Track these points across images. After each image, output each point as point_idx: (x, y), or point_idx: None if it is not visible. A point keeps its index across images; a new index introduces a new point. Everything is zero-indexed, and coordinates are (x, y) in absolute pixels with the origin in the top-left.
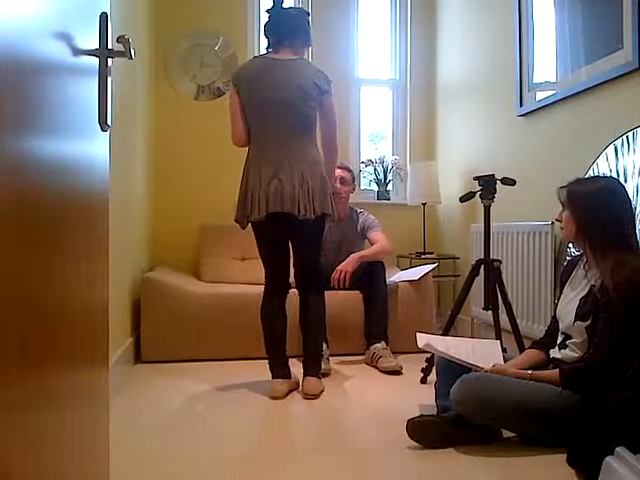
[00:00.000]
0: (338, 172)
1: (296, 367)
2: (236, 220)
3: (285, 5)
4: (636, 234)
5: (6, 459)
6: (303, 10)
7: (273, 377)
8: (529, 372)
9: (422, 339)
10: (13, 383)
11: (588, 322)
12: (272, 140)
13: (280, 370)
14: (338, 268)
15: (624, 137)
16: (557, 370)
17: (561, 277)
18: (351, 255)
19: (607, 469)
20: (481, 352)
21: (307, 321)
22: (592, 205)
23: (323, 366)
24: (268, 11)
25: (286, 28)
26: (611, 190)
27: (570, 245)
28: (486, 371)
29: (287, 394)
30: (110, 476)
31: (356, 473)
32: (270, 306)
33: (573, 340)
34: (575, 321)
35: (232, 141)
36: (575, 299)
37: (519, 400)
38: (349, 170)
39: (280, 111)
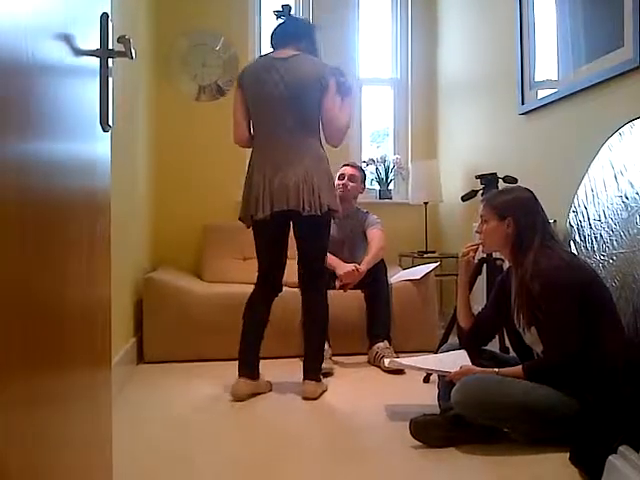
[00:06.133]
0: (348, 170)
1: (296, 367)
2: (240, 219)
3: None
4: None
5: (7, 460)
6: (309, 22)
7: (239, 376)
8: (495, 370)
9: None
10: (15, 383)
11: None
12: (274, 137)
13: (247, 369)
14: (343, 282)
15: (621, 130)
16: (520, 367)
17: (503, 293)
18: (363, 266)
19: (611, 468)
20: (448, 361)
21: (308, 323)
22: (524, 209)
23: (325, 365)
24: (276, 13)
25: (293, 33)
26: (529, 196)
27: (572, 244)
28: (455, 373)
29: (251, 396)
30: (113, 477)
31: (359, 472)
32: (255, 305)
33: (541, 349)
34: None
35: (234, 141)
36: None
37: (519, 400)
38: (360, 169)
39: (281, 107)
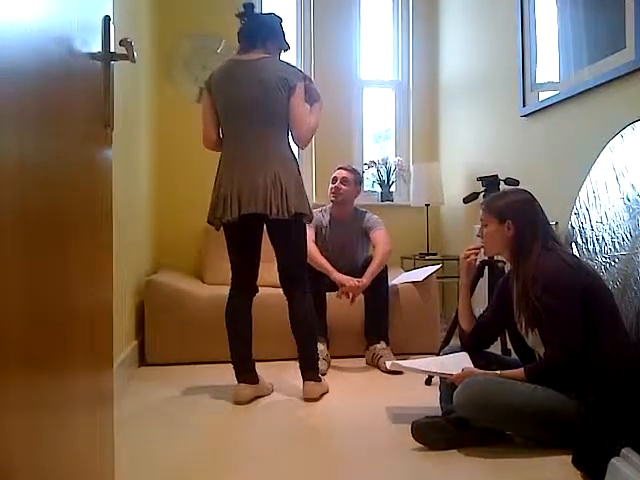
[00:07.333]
0: (341, 173)
1: (297, 369)
2: (209, 221)
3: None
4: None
5: (11, 461)
6: (276, 15)
7: (238, 382)
8: (497, 372)
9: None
10: (18, 386)
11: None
12: (242, 140)
13: (245, 374)
14: (347, 289)
15: (622, 132)
16: (522, 369)
17: (504, 296)
18: (365, 278)
19: (613, 470)
20: (450, 363)
21: (294, 326)
22: (523, 211)
23: (320, 366)
24: (238, 16)
25: (258, 33)
26: (527, 198)
27: (574, 246)
28: (457, 375)
29: (253, 399)
30: (115, 479)
31: (360, 474)
32: (235, 309)
33: (543, 351)
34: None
35: (203, 144)
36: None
37: (521, 403)
38: (353, 171)
39: (246, 110)
